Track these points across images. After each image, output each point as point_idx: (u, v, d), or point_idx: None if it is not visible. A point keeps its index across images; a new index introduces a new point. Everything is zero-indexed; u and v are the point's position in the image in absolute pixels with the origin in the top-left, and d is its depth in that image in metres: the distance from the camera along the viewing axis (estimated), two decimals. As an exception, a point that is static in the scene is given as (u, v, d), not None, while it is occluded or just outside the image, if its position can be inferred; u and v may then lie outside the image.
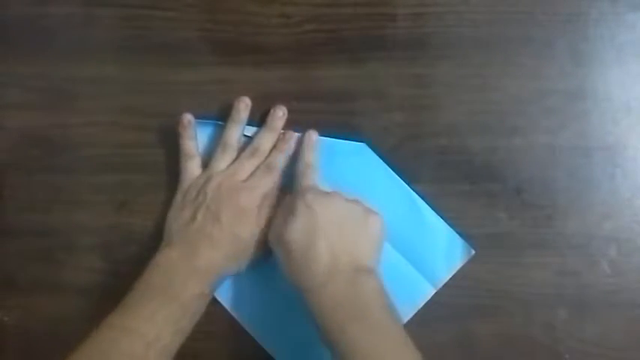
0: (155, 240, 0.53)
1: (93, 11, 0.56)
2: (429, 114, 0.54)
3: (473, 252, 0.52)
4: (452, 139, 0.54)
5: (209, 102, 0.55)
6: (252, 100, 0.54)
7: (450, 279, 0.52)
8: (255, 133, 0.53)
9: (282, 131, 0.53)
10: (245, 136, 0.54)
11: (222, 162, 0.52)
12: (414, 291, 0.52)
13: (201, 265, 0.48)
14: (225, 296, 0.53)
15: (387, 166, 0.53)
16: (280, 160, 0.52)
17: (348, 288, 0.44)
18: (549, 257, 0.53)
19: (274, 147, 0.53)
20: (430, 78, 0.55)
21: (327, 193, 0.48)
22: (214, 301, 0.52)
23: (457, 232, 0.53)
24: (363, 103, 0.54)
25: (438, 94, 0.55)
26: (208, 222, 0.49)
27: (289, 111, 0.54)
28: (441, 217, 0.53)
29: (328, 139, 0.53)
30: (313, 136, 0.53)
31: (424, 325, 0.52)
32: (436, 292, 0.52)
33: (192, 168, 0.52)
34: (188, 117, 0.53)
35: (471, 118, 0.54)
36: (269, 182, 0.51)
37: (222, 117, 0.54)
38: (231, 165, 0.52)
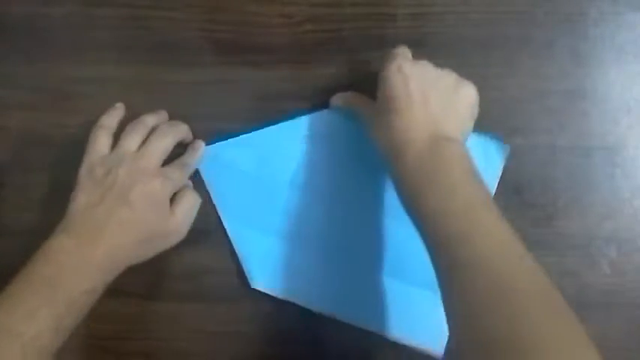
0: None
1: (93, 11, 0.56)
2: (429, 114, 0.54)
3: (507, 146, 0.53)
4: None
5: (209, 102, 0.55)
6: (252, 100, 0.54)
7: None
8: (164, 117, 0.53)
9: (193, 140, 0.53)
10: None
11: (133, 141, 0.49)
12: None
13: (99, 255, 0.45)
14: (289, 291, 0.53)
15: None
16: (194, 162, 0.52)
17: (426, 153, 0.43)
18: (549, 257, 0.53)
19: (187, 151, 0.53)
20: (430, 78, 0.55)
21: (418, 61, 0.46)
22: (209, 302, 0.52)
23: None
24: (363, 103, 0.54)
25: (438, 94, 0.55)
26: (120, 205, 0.46)
27: (290, 111, 0.54)
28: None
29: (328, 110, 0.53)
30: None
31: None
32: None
33: (103, 141, 0.50)
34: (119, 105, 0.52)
35: (471, 118, 0.54)
36: (179, 179, 0.50)
37: (221, 117, 0.54)
38: (142, 147, 0.49)
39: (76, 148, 0.55)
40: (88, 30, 0.56)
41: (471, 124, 0.47)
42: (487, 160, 0.53)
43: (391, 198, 0.51)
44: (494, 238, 0.40)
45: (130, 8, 0.56)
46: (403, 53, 0.48)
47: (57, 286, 0.43)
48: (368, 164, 0.53)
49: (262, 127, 0.54)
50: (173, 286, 0.53)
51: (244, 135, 0.54)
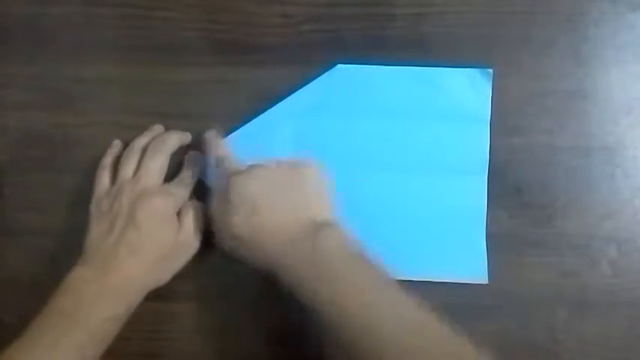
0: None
1: (93, 11, 0.56)
2: (429, 114, 0.54)
3: (490, 70, 0.53)
4: (452, 139, 0.54)
5: (209, 102, 0.55)
6: (252, 100, 0.54)
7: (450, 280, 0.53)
8: (158, 133, 0.54)
9: (188, 153, 0.54)
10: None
11: (129, 169, 0.51)
12: (474, 139, 0.53)
13: (116, 281, 0.46)
14: None
15: (368, 66, 0.54)
16: (191, 177, 0.52)
17: (306, 253, 0.43)
18: (549, 257, 0.53)
19: (184, 165, 0.53)
20: (430, 78, 0.55)
21: (250, 170, 0.46)
22: (209, 302, 0.52)
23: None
24: (363, 103, 0.54)
25: (438, 94, 0.55)
26: (127, 229, 0.47)
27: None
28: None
29: (308, 85, 0.54)
30: (211, 134, 0.52)
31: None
32: (435, 292, 0.52)
33: (104, 178, 0.51)
34: (116, 143, 0.53)
35: (471, 118, 0.54)
36: (183, 194, 0.51)
37: (221, 117, 0.54)
38: (137, 170, 0.50)
39: (76, 148, 0.55)
40: (88, 30, 0.56)
41: (328, 196, 0.47)
42: (475, 89, 0.54)
43: (390, 149, 0.53)
44: (392, 318, 0.41)
45: (130, 8, 0.56)
46: (234, 171, 0.47)
47: (76, 316, 0.44)
48: (359, 123, 0.54)
49: (252, 119, 0.54)
50: (173, 286, 0.53)
51: (237, 130, 0.54)
